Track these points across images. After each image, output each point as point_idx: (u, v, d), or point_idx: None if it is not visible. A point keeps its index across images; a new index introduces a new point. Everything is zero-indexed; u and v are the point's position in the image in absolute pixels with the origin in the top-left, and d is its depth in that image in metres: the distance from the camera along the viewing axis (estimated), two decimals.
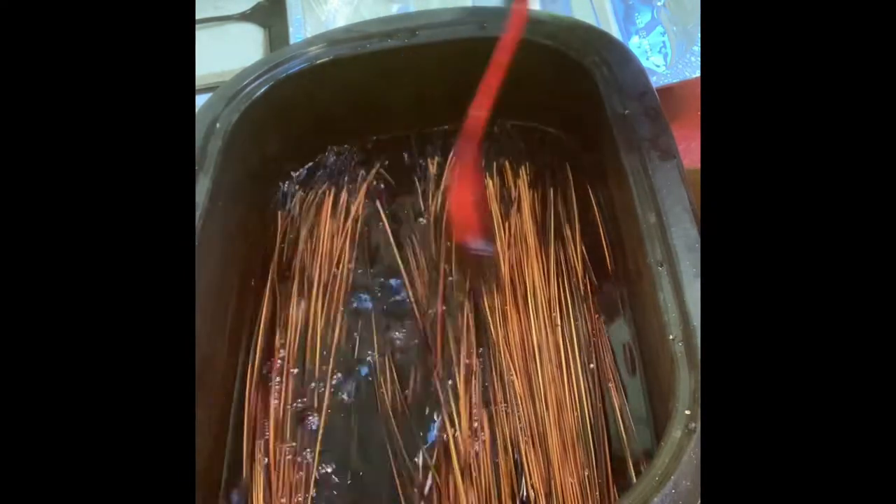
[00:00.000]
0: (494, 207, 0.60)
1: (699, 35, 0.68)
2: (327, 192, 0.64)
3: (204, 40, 0.78)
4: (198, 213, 0.50)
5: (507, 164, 0.64)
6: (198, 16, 0.79)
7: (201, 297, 0.49)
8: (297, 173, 0.66)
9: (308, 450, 0.51)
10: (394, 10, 0.77)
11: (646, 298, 0.47)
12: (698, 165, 0.49)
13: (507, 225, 0.59)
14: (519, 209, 0.61)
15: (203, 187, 0.52)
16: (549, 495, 0.47)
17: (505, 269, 0.57)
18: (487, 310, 0.55)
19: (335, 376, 0.54)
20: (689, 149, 0.55)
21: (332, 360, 0.55)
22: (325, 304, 0.58)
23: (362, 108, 0.64)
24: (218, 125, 0.56)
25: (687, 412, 0.39)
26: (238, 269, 0.57)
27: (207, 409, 0.51)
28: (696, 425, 0.38)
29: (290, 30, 0.77)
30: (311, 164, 0.66)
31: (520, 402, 0.51)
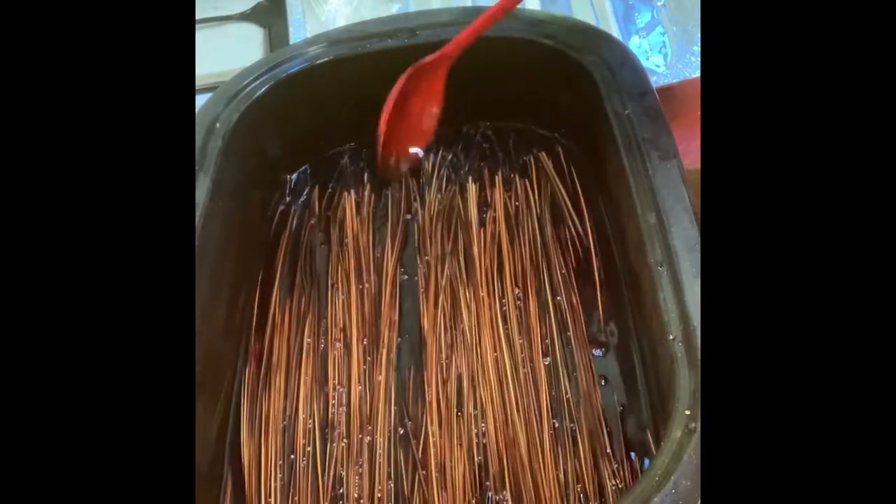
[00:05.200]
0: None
1: (699, 35, 0.68)
2: (327, 192, 0.64)
3: (204, 40, 0.78)
4: (198, 213, 0.50)
5: (501, 165, 0.64)
6: (198, 16, 0.79)
7: (202, 296, 0.49)
8: (297, 173, 0.66)
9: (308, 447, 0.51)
10: (394, 10, 0.77)
11: (646, 298, 0.47)
12: (698, 165, 0.50)
13: (486, 229, 0.60)
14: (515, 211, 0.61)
15: (203, 187, 0.52)
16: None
17: (483, 268, 0.57)
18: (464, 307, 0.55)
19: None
20: (689, 149, 0.55)
21: (331, 360, 0.55)
22: (327, 304, 0.58)
23: (362, 108, 0.64)
24: (218, 125, 0.56)
25: (687, 412, 0.39)
26: (238, 268, 0.57)
27: (211, 411, 0.51)
28: (696, 425, 0.38)
29: (290, 30, 0.77)
30: (310, 163, 0.66)
31: (493, 405, 0.51)
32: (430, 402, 0.51)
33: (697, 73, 0.67)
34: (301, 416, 0.52)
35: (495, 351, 0.53)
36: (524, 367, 0.52)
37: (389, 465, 0.49)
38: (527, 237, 0.59)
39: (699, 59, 0.67)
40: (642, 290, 0.48)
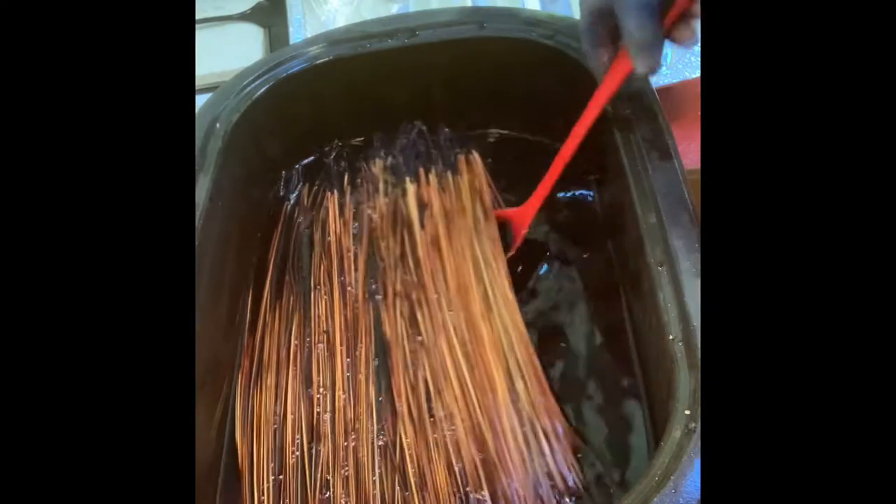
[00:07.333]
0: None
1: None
2: (327, 192, 0.64)
3: (204, 40, 0.78)
4: (198, 213, 0.50)
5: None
6: (198, 16, 0.79)
7: (202, 297, 0.49)
8: (297, 173, 0.66)
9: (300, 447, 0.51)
10: (394, 10, 0.78)
11: (646, 298, 0.47)
12: (698, 165, 0.50)
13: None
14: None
15: (203, 187, 0.52)
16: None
17: (428, 269, 0.56)
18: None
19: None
20: (689, 149, 0.55)
21: (334, 362, 0.55)
22: (326, 304, 0.57)
23: (362, 108, 0.64)
24: (218, 125, 0.56)
25: (687, 412, 0.39)
26: (238, 268, 0.57)
27: (211, 411, 0.51)
28: (696, 425, 0.38)
29: (290, 30, 0.77)
30: (310, 163, 0.66)
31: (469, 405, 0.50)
32: (402, 411, 0.50)
33: (697, 73, 0.67)
34: (290, 418, 0.52)
35: (451, 356, 0.52)
36: (478, 368, 0.51)
37: (373, 471, 0.49)
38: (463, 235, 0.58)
39: (699, 59, 0.67)
40: (642, 290, 0.48)
